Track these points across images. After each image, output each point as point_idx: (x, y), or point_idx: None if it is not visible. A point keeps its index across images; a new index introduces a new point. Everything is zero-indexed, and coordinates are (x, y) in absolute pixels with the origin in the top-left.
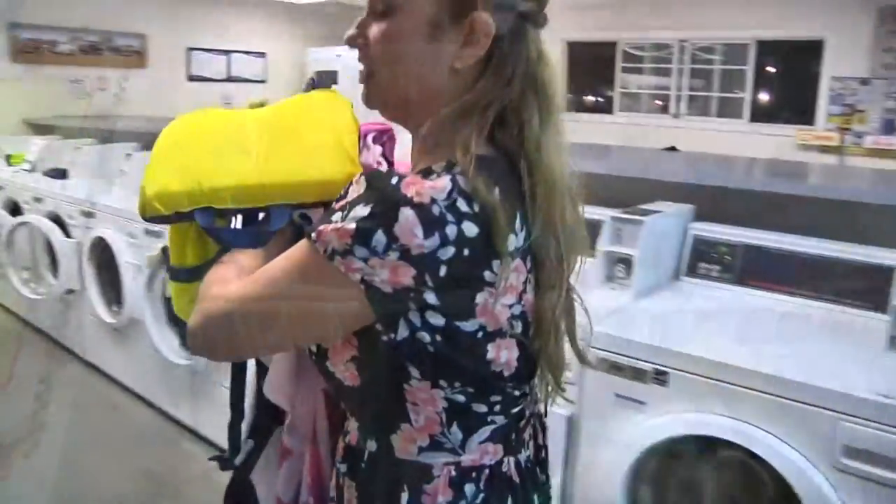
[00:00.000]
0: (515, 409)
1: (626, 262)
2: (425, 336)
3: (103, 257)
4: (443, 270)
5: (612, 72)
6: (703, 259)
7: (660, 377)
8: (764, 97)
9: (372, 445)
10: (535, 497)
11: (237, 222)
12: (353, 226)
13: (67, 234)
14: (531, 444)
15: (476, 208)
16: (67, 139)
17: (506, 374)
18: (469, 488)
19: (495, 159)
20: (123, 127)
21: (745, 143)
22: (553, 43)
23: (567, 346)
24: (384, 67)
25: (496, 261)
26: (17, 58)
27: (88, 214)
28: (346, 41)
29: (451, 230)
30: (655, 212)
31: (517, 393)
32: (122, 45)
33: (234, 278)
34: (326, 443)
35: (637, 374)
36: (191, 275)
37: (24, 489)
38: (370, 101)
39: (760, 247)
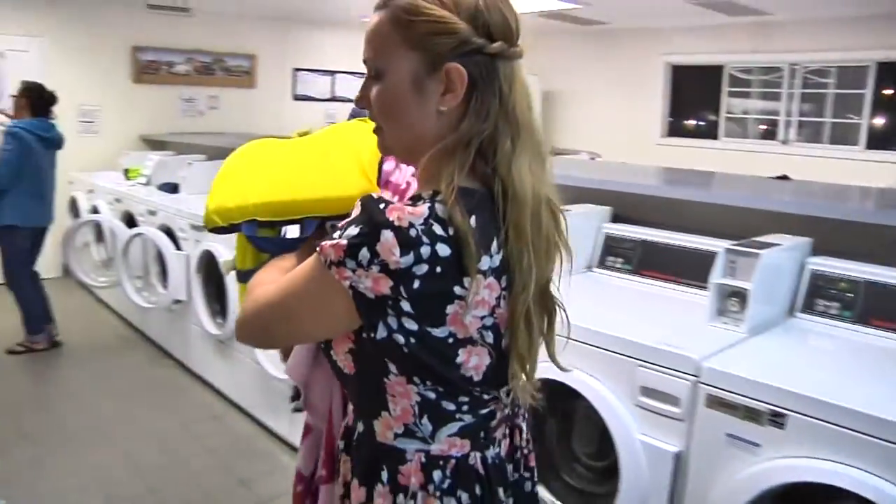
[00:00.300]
0: (484, 411)
1: (740, 296)
2: (400, 338)
3: (211, 270)
4: (416, 284)
5: (717, 96)
6: (821, 296)
7: (776, 419)
8: (881, 122)
9: (361, 427)
10: (501, 491)
11: (287, 231)
12: (345, 242)
13: (178, 247)
14: (504, 443)
15: (450, 232)
16: (180, 155)
17: (475, 378)
18: (437, 474)
19: (476, 191)
20: (231, 144)
21: (861, 172)
22: (656, 66)
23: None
24: (384, 120)
25: (467, 278)
26: (139, 78)
27: (197, 228)
28: (355, 102)
29: (425, 250)
30: (772, 244)
31: (486, 397)
32: (233, 65)
33: (273, 280)
34: (340, 423)
35: (751, 415)
36: (249, 276)
37: (129, 489)
38: (381, 148)
39: (884, 284)
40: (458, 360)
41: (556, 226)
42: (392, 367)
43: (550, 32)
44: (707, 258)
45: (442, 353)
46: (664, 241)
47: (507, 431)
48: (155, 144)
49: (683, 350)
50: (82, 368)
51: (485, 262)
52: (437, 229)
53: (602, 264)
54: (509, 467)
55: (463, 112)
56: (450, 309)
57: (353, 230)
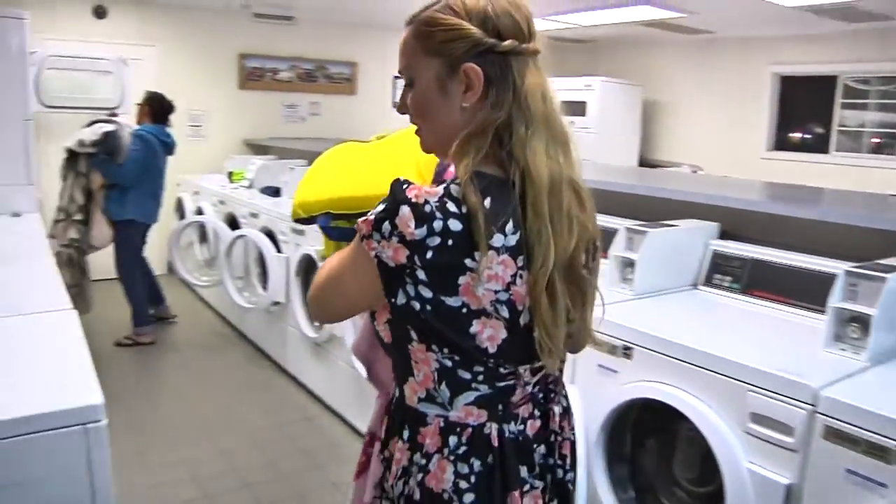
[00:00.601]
0: (501, 384)
1: (861, 321)
2: (416, 304)
3: (309, 273)
4: (429, 254)
5: (829, 107)
6: None
7: None
8: None
9: (397, 392)
10: (525, 469)
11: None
12: (373, 218)
13: (278, 249)
14: (531, 423)
15: (463, 210)
16: (282, 159)
17: (490, 350)
18: (453, 439)
19: (492, 175)
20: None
21: None
22: (763, 77)
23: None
24: (420, 122)
25: (477, 252)
26: (244, 84)
27: (298, 231)
28: (397, 110)
29: (437, 224)
30: None
31: (503, 370)
32: (335, 72)
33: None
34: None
35: (875, 451)
36: None
37: (223, 485)
38: (423, 147)
39: None
40: (472, 330)
41: (580, 204)
42: (413, 334)
43: (654, 42)
44: (821, 279)
45: (455, 321)
46: (775, 259)
47: (538, 412)
48: (258, 149)
49: (800, 377)
50: (183, 364)
51: (498, 240)
52: (451, 206)
53: (709, 282)
54: (540, 448)
55: (482, 107)
56: (462, 280)
57: (380, 207)
